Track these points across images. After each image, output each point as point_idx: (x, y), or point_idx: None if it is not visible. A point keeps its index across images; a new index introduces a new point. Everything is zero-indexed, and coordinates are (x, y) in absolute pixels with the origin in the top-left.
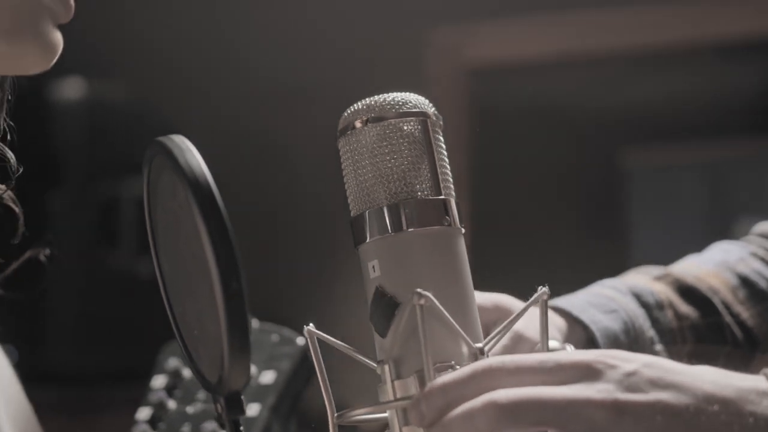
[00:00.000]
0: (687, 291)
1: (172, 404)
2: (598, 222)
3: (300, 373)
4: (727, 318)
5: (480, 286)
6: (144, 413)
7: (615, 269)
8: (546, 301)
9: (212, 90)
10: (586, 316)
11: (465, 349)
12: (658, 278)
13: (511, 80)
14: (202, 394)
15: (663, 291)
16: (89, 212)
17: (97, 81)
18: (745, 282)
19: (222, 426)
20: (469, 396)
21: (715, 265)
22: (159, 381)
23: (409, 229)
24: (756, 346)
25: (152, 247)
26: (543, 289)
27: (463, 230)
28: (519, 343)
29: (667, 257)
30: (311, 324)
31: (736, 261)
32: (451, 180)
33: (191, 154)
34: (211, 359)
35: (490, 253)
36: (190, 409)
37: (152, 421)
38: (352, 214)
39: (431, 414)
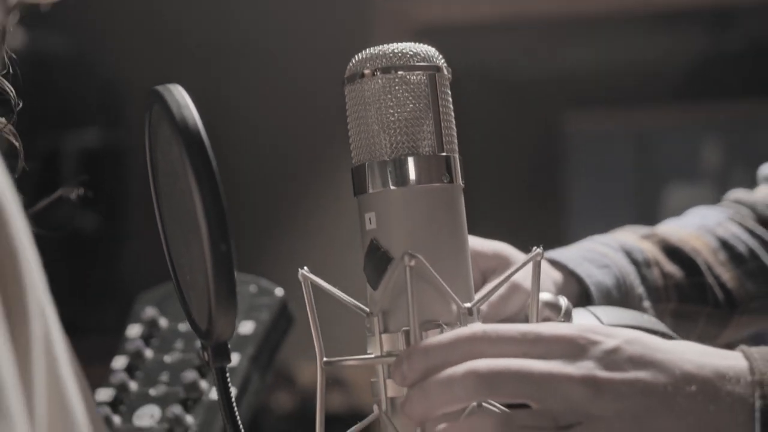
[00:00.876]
0: (672, 251)
1: (149, 353)
2: (535, 183)
3: (278, 324)
4: (710, 279)
5: None
6: (120, 362)
7: (550, 229)
8: (539, 262)
9: (155, 44)
10: (581, 270)
11: (454, 309)
12: (646, 237)
13: (454, 42)
14: (180, 344)
15: (650, 250)
16: (31, 163)
17: (39, 32)
18: (725, 245)
19: (203, 375)
20: (451, 361)
21: (695, 228)
22: (135, 330)
23: (409, 185)
24: (734, 308)
25: (152, 188)
26: (537, 250)
27: (463, 186)
28: (514, 293)
29: (599, 218)
30: (305, 268)
31: (715, 225)
32: (455, 136)
33: (189, 112)
34: (200, 308)
35: None
36: (167, 358)
37: (129, 370)
38: (353, 162)
39: (412, 375)
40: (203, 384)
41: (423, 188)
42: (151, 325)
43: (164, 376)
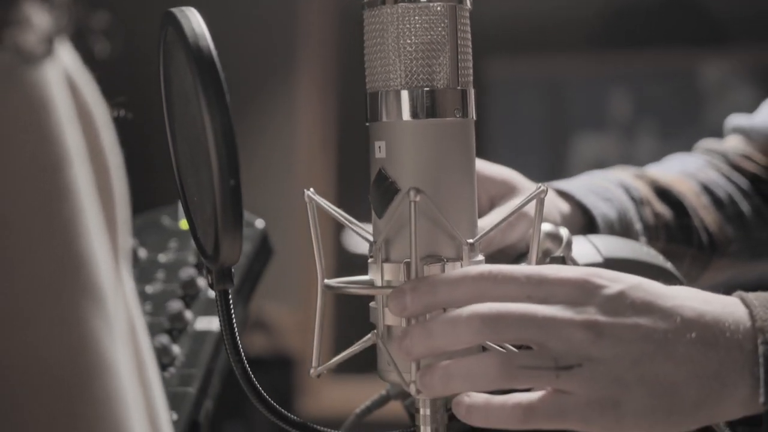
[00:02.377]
0: (662, 192)
1: None
2: None
3: (260, 256)
4: (696, 221)
5: (346, 195)
6: None
7: None
8: (543, 200)
9: None
10: (588, 201)
11: (457, 244)
12: (639, 176)
13: None
14: (161, 274)
15: (643, 189)
16: None
17: None
18: (706, 189)
19: (187, 306)
20: (455, 299)
21: (678, 173)
22: None
23: (421, 118)
24: (715, 251)
25: (165, 105)
26: (541, 187)
27: (474, 119)
28: (518, 221)
29: (510, 166)
30: (311, 189)
31: (696, 170)
32: (471, 70)
33: (205, 43)
34: (206, 231)
35: (358, 178)
36: (149, 289)
37: None
38: (367, 89)
39: (414, 307)
40: (188, 314)
41: (435, 122)
42: (131, 256)
43: (147, 307)
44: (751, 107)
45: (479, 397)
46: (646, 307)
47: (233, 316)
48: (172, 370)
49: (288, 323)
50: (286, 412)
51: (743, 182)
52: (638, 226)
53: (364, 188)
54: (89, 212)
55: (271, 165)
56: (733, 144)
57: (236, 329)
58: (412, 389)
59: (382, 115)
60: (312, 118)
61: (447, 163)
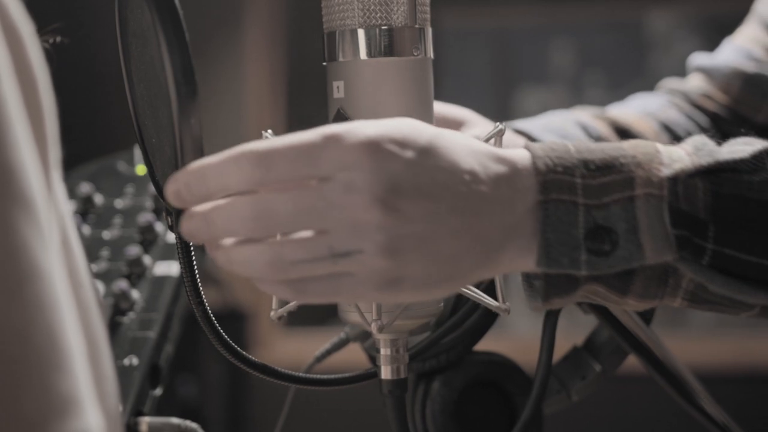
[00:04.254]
0: (622, 132)
1: (86, 229)
2: None
3: None
4: None
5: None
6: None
7: None
8: (501, 139)
9: None
10: (545, 139)
11: None
12: (598, 117)
13: None
14: (118, 219)
15: (602, 128)
16: None
17: None
18: (666, 128)
19: (146, 251)
20: (230, 186)
21: (638, 112)
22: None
23: (379, 57)
24: None
25: (120, 48)
26: (499, 126)
27: (432, 58)
28: None
29: None
30: (270, 131)
31: (657, 109)
32: (428, 8)
33: None
34: (165, 173)
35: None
36: (106, 235)
37: None
38: (324, 29)
39: (192, 199)
40: (147, 259)
41: (393, 60)
42: (86, 202)
43: (105, 252)
44: None
45: (239, 255)
46: (434, 180)
47: (194, 258)
48: (131, 315)
49: (240, 276)
50: (247, 355)
51: (704, 121)
52: None
53: None
54: (17, 124)
55: (222, 111)
56: (695, 83)
57: (197, 272)
58: (374, 327)
59: (339, 55)
60: (262, 64)
61: (405, 102)
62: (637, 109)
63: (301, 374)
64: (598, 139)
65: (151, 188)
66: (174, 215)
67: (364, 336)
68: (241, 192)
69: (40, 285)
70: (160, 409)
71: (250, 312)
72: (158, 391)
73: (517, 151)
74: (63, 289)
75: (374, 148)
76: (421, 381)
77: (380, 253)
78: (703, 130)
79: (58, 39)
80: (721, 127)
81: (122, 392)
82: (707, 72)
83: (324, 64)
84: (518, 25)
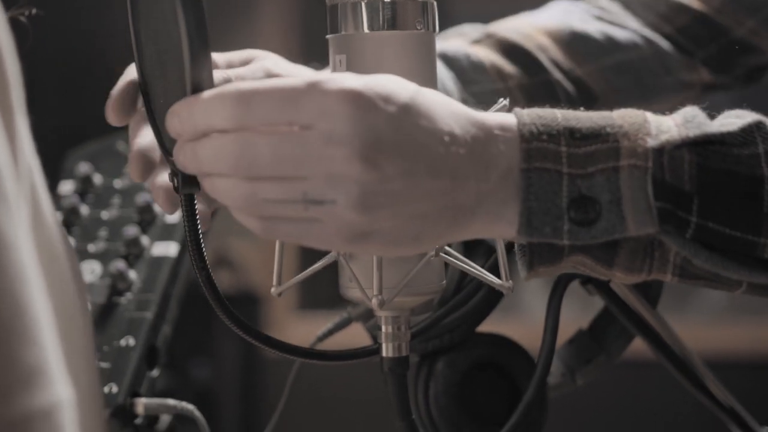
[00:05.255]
0: (511, 50)
1: (84, 209)
2: None
3: None
4: (556, 74)
5: None
6: None
7: None
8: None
9: None
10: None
11: None
12: (477, 41)
13: None
14: (117, 199)
15: (483, 53)
16: None
17: None
18: (582, 38)
19: (144, 231)
20: (216, 125)
21: (549, 22)
22: (68, 186)
23: (382, 30)
24: (594, 101)
25: (129, 8)
26: (503, 102)
27: (437, 32)
28: None
29: None
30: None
31: (575, 19)
32: None
33: None
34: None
35: None
36: (105, 215)
37: (65, 226)
38: (327, 2)
39: (185, 133)
40: (144, 240)
41: (396, 34)
42: (85, 182)
43: (103, 232)
44: None
45: (220, 184)
46: (413, 138)
47: (198, 221)
48: (129, 295)
49: (252, 259)
50: (248, 323)
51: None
52: (463, 95)
53: None
54: None
55: None
56: None
57: (201, 235)
58: (374, 303)
59: (341, 27)
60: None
61: (408, 77)
62: (551, 18)
63: (301, 347)
64: (472, 66)
65: None
66: (179, 176)
67: (366, 316)
68: (225, 130)
69: (4, 254)
70: (172, 390)
71: (263, 295)
72: (155, 372)
73: (501, 115)
74: (30, 260)
75: (356, 97)
76: (424, 362)
77: (352, 207)
78: (642, 36)
79: (33, 11)
80: (678, 41)
81: (119, 373)
82: None
83: (327, 37)
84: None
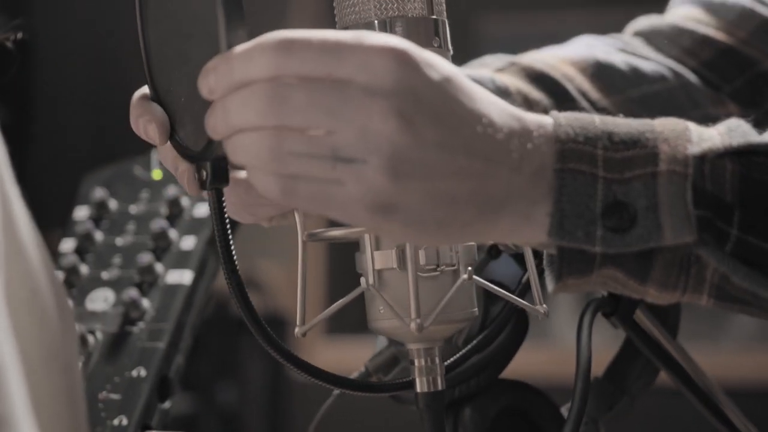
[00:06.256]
0: (537, 77)
1: (99, 236)
2: None
3: None
4: (584, 103)
5: None
6: (68, 244)
7: None
8: None
9: None
10: None
11: None
12: (501, 69)
13: None
14: (131, 226)
15: (508, 79)
16: None
17: None
18: (607, 69)
19: (158, 258)
20: (252, 75)
21: (573, 54)
22: (83, 212)
23: None
24: None
25: (138, 12)
26: None
27: (451, 52)
28: None
29: None
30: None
31: (599, 52)
32: (444, 1)
33: None
34: (198, 125)
35: None
36: (119, 241)
37: (78, 253)
38: (337, 27)
39: (218, 86)
40: (159, 267)
41: None
42: (100, 207)
43: (117, 259)
44: None
45: (243, 139)
46: (452, 110)
47: (227, 220)
48: (141, 324)
49: (280, 282)
50: (276, 338)
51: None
52: None
53: None
54: None
55: None
56: (684, 13)
57: (230, 236)
58: (413, 327)
59: None
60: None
61: None
62: (575, 50)
63: (332, 373)
64: (497, 90)
65: (166, 193)
66: (208, 168)
67: (385, 368)
68: (262, 79)
69: None
70: (198, 415)
71: (291, 319)
72: (167, 404)
73: (537, 115)
74: None
75: (401, 54)
76: (450, 408)
77: (383, 170)
78: (672, 71)
79: (19, 36)
80: (707, 77)
81: (129, 405)
82: (710, 7)
83: None
84: (568, 31)
